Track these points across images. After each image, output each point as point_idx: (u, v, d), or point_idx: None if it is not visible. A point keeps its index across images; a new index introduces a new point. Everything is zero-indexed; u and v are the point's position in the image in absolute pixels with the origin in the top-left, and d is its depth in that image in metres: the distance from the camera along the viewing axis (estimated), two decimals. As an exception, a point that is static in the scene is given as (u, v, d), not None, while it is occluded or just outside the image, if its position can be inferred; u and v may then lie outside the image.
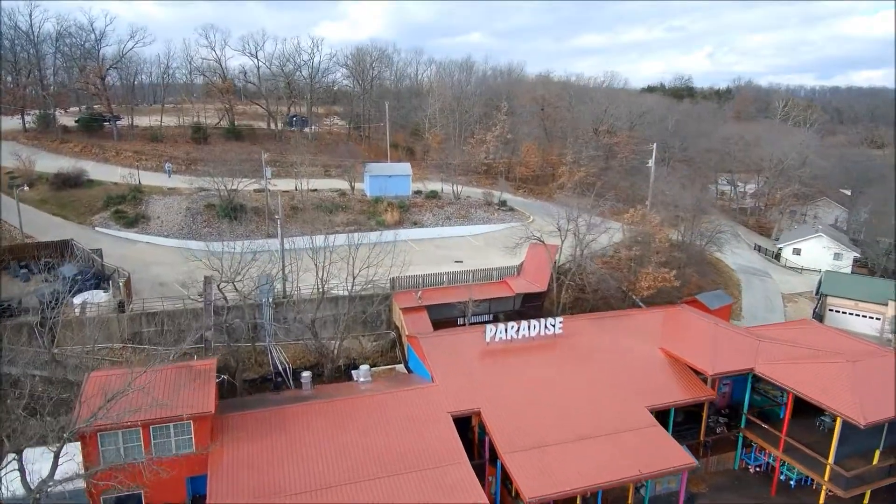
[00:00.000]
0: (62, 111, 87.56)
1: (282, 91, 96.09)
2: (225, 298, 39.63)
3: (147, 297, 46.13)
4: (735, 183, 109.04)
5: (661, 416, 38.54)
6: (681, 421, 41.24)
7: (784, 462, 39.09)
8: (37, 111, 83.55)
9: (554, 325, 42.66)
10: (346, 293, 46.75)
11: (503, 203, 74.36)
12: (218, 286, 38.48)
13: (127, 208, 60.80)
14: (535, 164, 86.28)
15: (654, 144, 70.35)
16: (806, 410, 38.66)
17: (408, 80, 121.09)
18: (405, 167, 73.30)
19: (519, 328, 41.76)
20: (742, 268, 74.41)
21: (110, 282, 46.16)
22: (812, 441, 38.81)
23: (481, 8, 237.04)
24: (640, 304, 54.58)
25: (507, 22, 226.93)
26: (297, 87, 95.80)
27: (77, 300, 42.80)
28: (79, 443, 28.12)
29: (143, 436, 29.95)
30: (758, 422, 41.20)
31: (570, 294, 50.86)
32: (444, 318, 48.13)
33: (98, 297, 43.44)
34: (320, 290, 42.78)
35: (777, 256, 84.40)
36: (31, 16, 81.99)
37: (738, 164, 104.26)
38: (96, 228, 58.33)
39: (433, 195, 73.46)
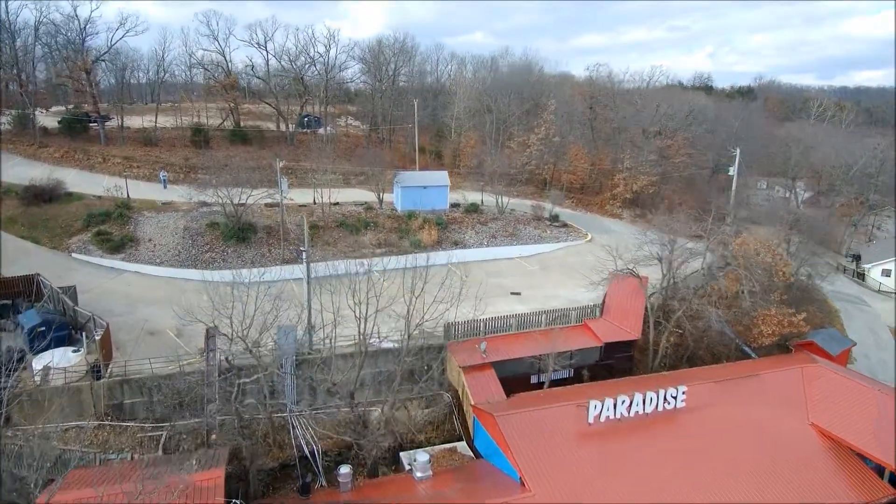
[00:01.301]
0: (43, 111, 76.73)
1: (293, 88, 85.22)
2: (233, 368, 28.88)
3: (131, 353, 35.36)
4: (795, 190, 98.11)
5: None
6: (853, 530, 30.73)
7: None
8: (13, 111, 72.65)
9: (676, 398, 32.01)
10: (393, 344, 36.33)
11: (555, 217, 63.61)
12: (227, 358, 27.72)
13: (112, 228, 50.01)
14: (583, 172, 75.45)
15: (738, 150, 59.63)
16: None
17: (428, 77, 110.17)
18: (442, 176, 62.51)
19: (631, 403, 31.10)
20: (833, 293, 63.60)
21: (83, 333, 35.38)
22: None
23: (481, 8, 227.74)
24: (751, 352, 43.96)
25: (508, 22, 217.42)
26: (311, 84, 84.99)
27: (37, 363, 32.14)
28: None
29: None
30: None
31: (672, 342, 40.11)
32: (512, 375, 37.47)
33: (66, 358, 32.70)
34: (361, 347, 32.03)
35: (861, 276, 73.60)
36: (6, 1, 71.24)
37: (800, 170, 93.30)
38: (73, 255, 47.52)
39: (473, 208, 62.73)
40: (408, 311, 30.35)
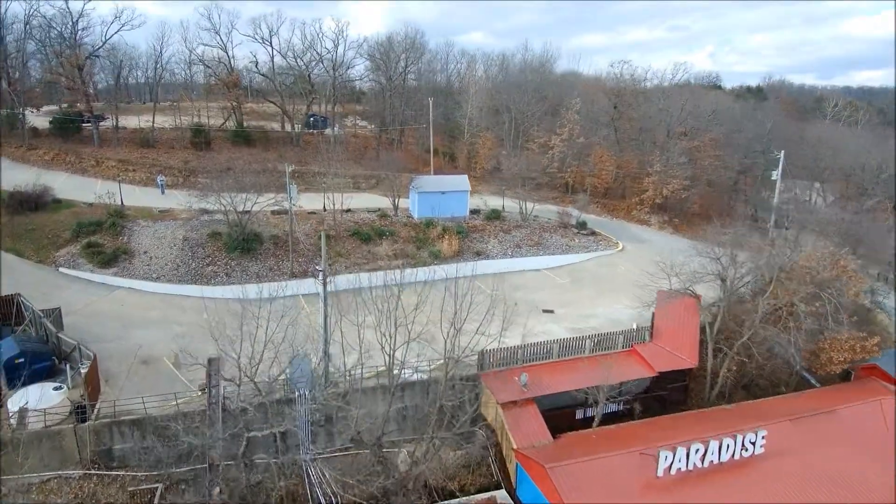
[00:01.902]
0: (33, 110, 72.14)
1: (298, 86, 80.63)
2: (239, 419, 24.44)
3: (122, 387, 31.03)
4: (825, 194, 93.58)
5: None
6: None
7: None
8: (1, 111, 68.05)
9: (754, 443, 27.62)
10: (421, 375, 32.05)
11: (583, 225, 59.15)
12: (236, 412, 23.30)
13: (104, 239, 45.54)
14: (609, 175, 70.97)
15: (783, 152, 55.20)
16: None
17: (438, 75, 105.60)
18: (462, 180, 58.04)
19: (705, 451, 26.68)
20: (882, 305, 59.05)
21: (67, 365, 30.97)
22: None
23: (481, 7, 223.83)
24: (811, 379, 39.62)
25: (507, 22, 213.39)
26: (318, 82, 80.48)
27: (13, 405, 27.69)
28: None
29: None
30: None
31: (732, 370, 35.66)
32: (553, 409, 33.07)
33: (47, 397, 28.25)
34: (391, 388, 27.64)
35: (902, 286, 69.16)
36: (-6, -6, 66.64)
37: (832, 172, 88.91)
38: (60, 269, 43.04)
39: (495, 215, 58.27)
40: (445, 351, 25.89)
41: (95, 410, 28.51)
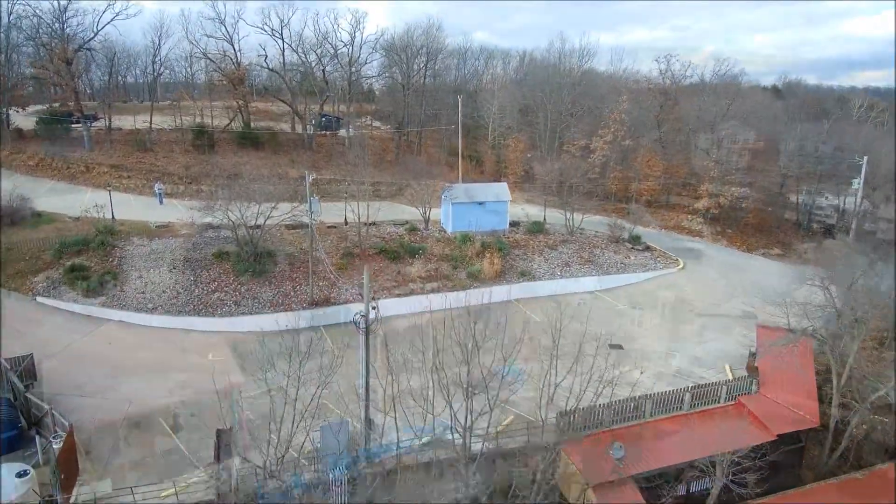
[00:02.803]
0: (18, 110, 65.47)
1: (310, 83, 73.90)
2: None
3: (106, 463, 24.26)
4: (874, 200, 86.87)
5: None
6: None
7: None
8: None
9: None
10: (485, 443, 25.35)
11: (636, 239, 52.38)
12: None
13: (90, 261, 38.77)
14: (656, 181, 64.25)
15: (865, 158, 48.42)
16: None
17: (455, 72, 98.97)
18: (502, 189, 51.20)
19: (888, 567, 19.88)
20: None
21: (38, 436, 24.21)
22: None
23: (482, 7, 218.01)
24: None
25: (508, 22, 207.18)
26: (332, 79, 73.76)
27: (-40, 497, 20.99)
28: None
29: None
30: None
31: (862, 430, 28.92)
32: (645, 483, 26.34)
33: (9, 487, 21.44)
34: (466, 473, 20.92)
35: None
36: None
37: (886, 178, 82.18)
38: (38, 299, 36.23)
39: (537, 228, 51.53)
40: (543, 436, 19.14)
41: (74, 498, 21.75)
